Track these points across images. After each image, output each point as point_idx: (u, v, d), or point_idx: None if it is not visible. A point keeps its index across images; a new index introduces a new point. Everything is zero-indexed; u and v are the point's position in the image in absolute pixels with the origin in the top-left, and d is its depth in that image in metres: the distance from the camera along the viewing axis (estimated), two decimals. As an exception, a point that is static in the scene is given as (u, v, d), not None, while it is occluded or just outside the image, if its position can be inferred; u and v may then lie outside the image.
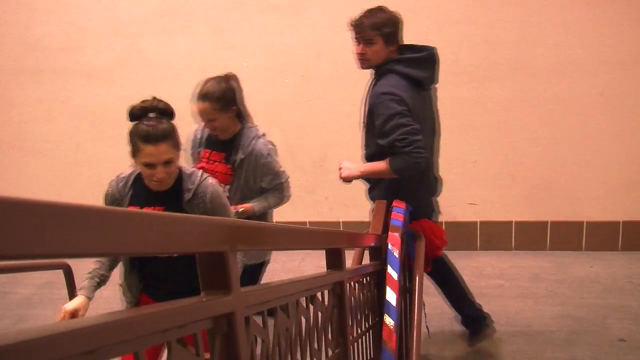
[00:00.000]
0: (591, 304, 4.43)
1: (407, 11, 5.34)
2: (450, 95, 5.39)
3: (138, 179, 2.65)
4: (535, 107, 5.32)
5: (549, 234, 5.49)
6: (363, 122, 3.50)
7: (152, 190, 2.61)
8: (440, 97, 5.39)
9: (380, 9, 3.38)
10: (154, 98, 2.61)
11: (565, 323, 4.18)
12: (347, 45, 5.43)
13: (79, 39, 5.60)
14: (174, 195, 2.58)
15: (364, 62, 3.40)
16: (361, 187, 5.56)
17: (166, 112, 2.60)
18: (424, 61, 3.42)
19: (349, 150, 5.55)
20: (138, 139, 2.47)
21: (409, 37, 5.34)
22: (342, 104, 5.44)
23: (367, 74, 5.57)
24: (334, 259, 1.99)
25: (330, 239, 2.04)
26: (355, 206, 5.56)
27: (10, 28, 5.66)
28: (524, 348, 3.92)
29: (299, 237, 1.70)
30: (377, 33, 3.30)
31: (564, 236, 5.47)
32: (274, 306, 1.38)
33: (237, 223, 1.16)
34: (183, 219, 0.96)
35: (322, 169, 5.62)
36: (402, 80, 3.31)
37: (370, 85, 3.50)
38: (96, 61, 5.59)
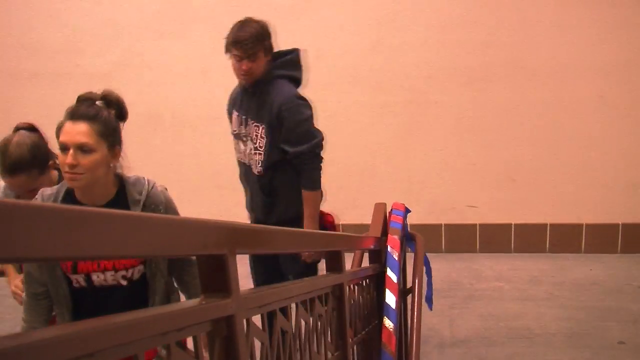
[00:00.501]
0: (590, 307, 4.43)
1: (405, 15, 5.37)
2: (449, 97, 5.41)
3: (69, 194, 2.14)
4: (534, 110, 5.33)
5: (548, 236, 5.49)
6: (253, 134, 3.23)
7: (86, 205, 2.07)
8: (439, 99, 5.42)
9: (251, 20, 3.24)
10: (107, 89, 2.25)
11: (564, 325, 4.18)
12: (345, 48, 5.46)
13: (78, 42, 5.60)
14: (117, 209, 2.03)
15: (250, 77, 3.15)
16: (361, 190, 5.58)
17: (113, 105, 2.17)
18: (297, 62, 3.36)
19: (348, 153, 5.57)
20: (63, 119, 2.06)
21: (410, 40, 5.36)
22: (340, 107, 5.45)
23: (373, 78, 5.60)
24: (334, 262, 1.99)
25: (329, 242, 2.04)
26: (354, 209, 5.56)
27: (9, 31, 5.66)
28: (523, 351, 3.92)
29: (298, 239, 1.70)
30: (260, 47, 3.14)
31: (564, 238, 5.47)
32: (274, 309, 1.38)
33: (236, 226, 1.15)
34: (183, 222, 0.96)
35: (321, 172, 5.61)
36: (291, 83, 3.26)
37: (243, 97, 3.30)
38: (95, 64, 5.59)
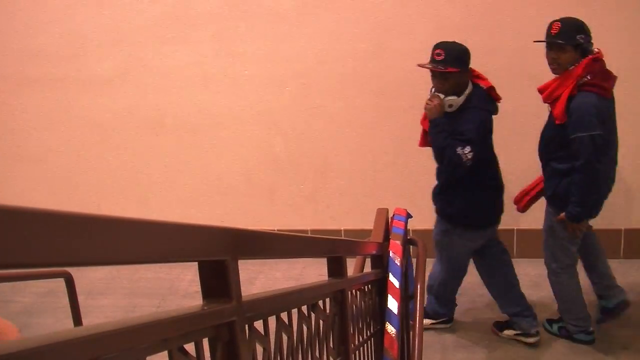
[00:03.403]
0: (593, 312, 4.42)
1: (407, 18, 5.38)
2: (451, 103, 5.40)
3: None
4: (536, 115, 5.32)
5: (550, 241, 5.48)
6: None
7: None
8: (441, 104, 5.41)
9: None
10: None
11: (567, 331, 4.17)
12: (348, 53, 5.47)
13: (80, 48, 5.61)
14: None
15: None
16: (362, 195, 5.58)
17: None
18: None
19: (351, 158, 5.57)
20: None
21: (409, 43, 5.36)
22: (343, 111, 5.45)
23: (374, 83, 5.58)
24: (336, 267, 1.99)
25: (331, 247, 2.04)
26: (356, 214, 5.56)
27: (12, 37, 5.68)
28: (526, 356, 3.91)
29: (300, 245, 1.70)
30: None
31: (566, 244, 5.46)
32: (276, 314, 1.38)
33: (238, 231, 1.15)
34: (184, 228, 0.96)
35: (324, 177, 5.62)
36: None
37: None
38: (97, 70, 5.60)
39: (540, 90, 3.87)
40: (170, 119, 5.70)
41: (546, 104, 3.92)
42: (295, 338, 1.52)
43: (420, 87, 5.37)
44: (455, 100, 3.80)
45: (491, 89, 3.98)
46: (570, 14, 5.18)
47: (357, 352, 2.32)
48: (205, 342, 1.05)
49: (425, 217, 4.90)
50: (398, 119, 5.46)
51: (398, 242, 2.90)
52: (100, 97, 5.61)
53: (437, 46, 3.72)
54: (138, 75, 5.60)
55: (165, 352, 0.91)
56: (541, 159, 4.09)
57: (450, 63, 3.70)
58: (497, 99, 4.01)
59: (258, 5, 5.43)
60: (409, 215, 3.33)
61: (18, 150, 5.87)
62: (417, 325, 3.00)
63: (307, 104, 5.48)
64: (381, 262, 2.89)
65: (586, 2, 5.18)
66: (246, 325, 1.16)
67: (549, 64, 3.81)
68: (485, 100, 3.95)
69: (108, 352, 0.75)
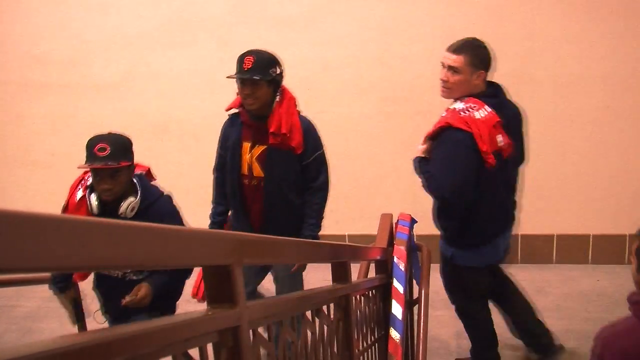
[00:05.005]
0: (598, 318, 4.40)
1: (412, 26, 5.39)
2: (455, 108, 5.39)
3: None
4: (540, 121, 5.32)
5: (555, 247, 5.47)
6: None
7: None
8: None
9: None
10: None
11: (571, 337, 4.15)
12: (352, 60, 5.47)
13: (85, 53, 5.63)
14: None
15: None
16: (368, 201, 5.58)
17: None
18: None
19: (354, 164, 5.57)
20: None
21: (415, 51, 5.37)
22: (348, 117, 5.46)
23: (379, 89, 5.59)
24: (340, 273, 1.99)
25: (336, 252, 2.03)
26: (361, 219, 5.56)
27: (18, 42, 5.70)
28: (530, 362, 3.90)
29: (304, 250, 1.70)
30: None
31: (570, 249, 5.44)
32: (280, 319, 1.38)
33: (242, 237, 1.15)
34: (190, 233, 0.96)
35: (328, 182, 5.61)
36: None
37: None
38: (103, 75, 5.62)
39: (273, 133, 3.51)
40: (175, 124, 5.71)
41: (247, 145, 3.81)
42: (299, 344, 1.52)
43: (425, 94, 5.38)
44: (137, 202, 3.07)
45: (148, 172, 3.42)
46: (573, 20, 5.19)
47: (361, 357, 2.31)
48: (210, 347, 1.05)
49: (430, 223, 4.89)
50: (403, 124, 5.46)
51: (402, 248, 2.90)
52: (105, 102, 5.62)
53: (99, 140, 3.05)
54: (143, 81, 5.62)
55: (170, 357, 0.91)
56: (273, 203, 3.64)
57: (122, 156, 3.01)
58: (154, 179, 3.46)
59: (263, 11, 5.44)
60: (413, 221, 3.33)
61: (23, 155, 5.88)
62: (422, 331, 2.99)
63: (312, 110, 5.46)
64: (385, 267, 2.88)
65: (588, 10, 5.19)
66: (250, 331, 1.16)
67: (244, 99, 3.55)
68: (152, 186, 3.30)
69: (113, 357, 0.75)
